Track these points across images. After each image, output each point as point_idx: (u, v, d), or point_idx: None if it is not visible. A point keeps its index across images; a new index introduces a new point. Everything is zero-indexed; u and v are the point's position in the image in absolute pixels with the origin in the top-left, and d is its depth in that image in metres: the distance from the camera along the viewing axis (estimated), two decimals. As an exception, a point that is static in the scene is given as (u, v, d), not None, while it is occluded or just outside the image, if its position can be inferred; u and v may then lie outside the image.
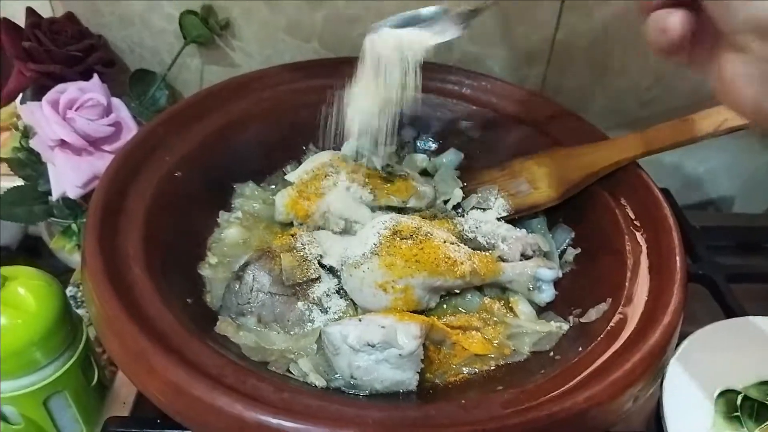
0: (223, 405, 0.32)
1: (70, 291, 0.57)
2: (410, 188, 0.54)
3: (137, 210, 0.46)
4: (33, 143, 0.59)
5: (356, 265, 0.45)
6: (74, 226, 0.61)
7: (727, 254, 0.63)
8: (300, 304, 0.45)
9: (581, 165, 0.53)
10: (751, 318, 0.50)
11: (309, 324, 0.44)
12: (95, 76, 0.60)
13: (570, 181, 0.53)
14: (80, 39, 0.64)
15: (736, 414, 0.43)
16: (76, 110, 0.58)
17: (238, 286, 0.45)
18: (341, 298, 0.46)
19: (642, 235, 0.48)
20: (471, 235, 0.51)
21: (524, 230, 0.52)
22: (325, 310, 0.45)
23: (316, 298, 0.45)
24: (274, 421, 0.32)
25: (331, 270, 0.48)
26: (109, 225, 0.43)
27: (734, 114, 0.49)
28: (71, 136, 0.57)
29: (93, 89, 0.60)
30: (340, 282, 0.47)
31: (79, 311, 0.52)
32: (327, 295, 0.46)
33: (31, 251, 0.70)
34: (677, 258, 0.44)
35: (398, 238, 0.46)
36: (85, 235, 0.42)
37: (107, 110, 0.60)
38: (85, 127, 0.58)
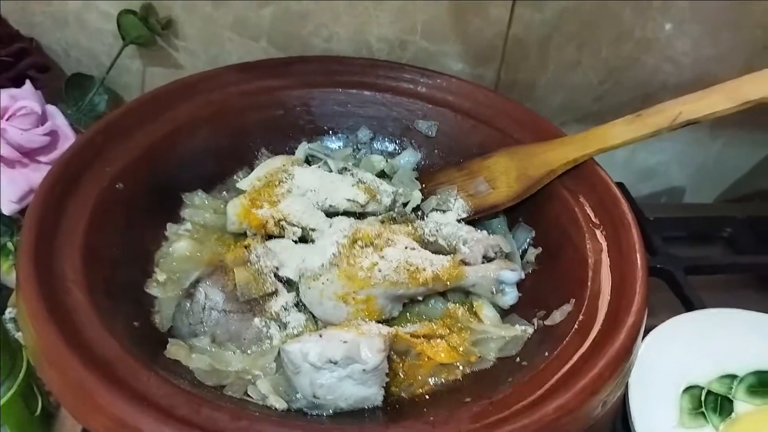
0: (174, 440, 0.30)
1: (9, 313, 0.53)
2: (370, 191, 0.52)
3: (76, 227, 0.42)
4: (-40, 156, 0.54)
5: (315, 277, 0.43)
6: (10, 245, 0.57)
7: (682, 245, 0.64)
8: (257, 320, 0.43)
9: (539, 163, 0.52)
10: (710, 310, 0.51)
11: (267, 341, 0.42)
12: (27, 82, 0.57)
13: (529, 180, 0.52)
14: (10, 43, 0.59)
15: (701, 410, 0.43)
16: (7, 120, 0.54)
17: (189, 305, 0.42)
18: (300, 311, 0.44)
19: (602, 232, 0.47)
20: (432, 239, 0.50)
21: (485, 231, 0.51)
22: (283, 326, 0.43)
23: (273, 313, 0.43)
24: (231, 454, 0.30)
25: (289, 282, 0.46)
26: (45, 244, 0.40)
27: (688, 107, 0.49)
28: (4, 148, 0.54)
29: (25, 96, 0.56)
30: (298, 294, 0.45)
31: (18, 335, 0.48)
32: (285, 309, 0.44)
33: None
34: (637, 255, 0.44)
35: (358, 247, 0.44)
36: (19, 255, 0.39)
37: (42, 119, 0.56)
38: (17, 137, 0.54)
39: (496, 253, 0.49)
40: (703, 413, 0.43)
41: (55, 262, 0.40)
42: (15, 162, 0.55)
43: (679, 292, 0.56)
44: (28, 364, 0.47)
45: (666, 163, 0.81)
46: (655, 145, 0.79)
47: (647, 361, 0.45)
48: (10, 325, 0.50)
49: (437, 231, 0.50)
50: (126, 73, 0.66)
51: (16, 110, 0.55)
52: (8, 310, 0.54)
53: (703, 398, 0.44)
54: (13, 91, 0.55)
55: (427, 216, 0.53)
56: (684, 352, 0.47)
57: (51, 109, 0.58)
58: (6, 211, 0.54)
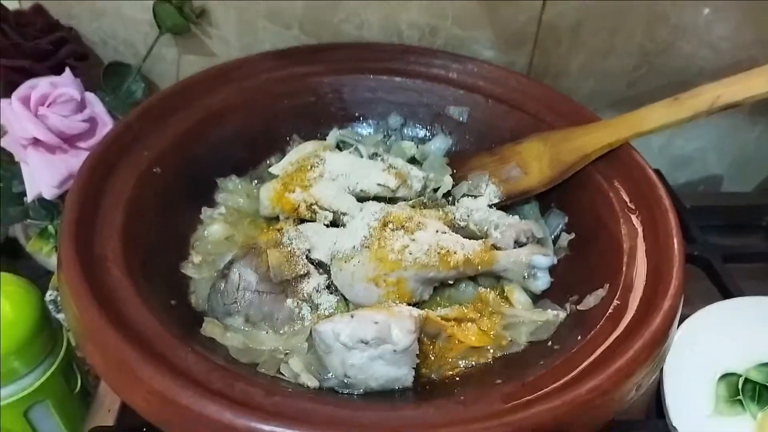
0: (212, 413, 0.31)
1: (49, 295, 0.55)
2: (401, 175, 0.52)
3: (115, 209, 0.44)
4: (4, 142, 0.56)
5: (346, 259, 0.44)
6: (51, 228, 0.59)
7: (720, 234, 0.62)
8: (289, 301, 0.43)
9: (573, 148, 0.52)
10: (748, 298, 0.49)
11: (299, 322, 0.43)
12: (67, 70, 0.58)
13: (562, 165, 0.52)
14: (50, 32, 0.61)
15: (738, 397, 0.42)
16: (48, 106, 0.56)
17: (223, 286, 0.43)
18: (331, 293, 0.45)
19: (637, 217, 0.47)
20: (463, 224, 0.49)
21: (516, 217, 0.51)
22: (315, 307, 0.44)
23: (305, 295, 0.44)
24: (267, 427, 0.30)
25: (321, 265, 0.46)
26: (85, 226, 0.41)
27: (727, 90, 0.48)
28: (44, 133, 0.55)
29: (65, 84, 0.57)
30: (329, 277, 0.45)
31: (59, 316, 0.50)
32: (317, 291, 0.44)
33: (9, 254, 0.67)
34: (675, 240, 0.43)
35: (389, 230, 0.44)
36: (61, 238, 0.40)
37: (81, 105, 0.58)
38: (58, 123, 0.55)
39: (527, 238, 0.48)
40: (740, 401, 0.42)
41: (95, 243, 0.41)
42: (55, 148, 0.56)
43: (716, 280, 0.55)
44: (68, 343, 0.48)
45: (703, 150, 0.79)
46: (692, 132, 0.77)
47: (682, 348, 0.44)
48: (51, 307, 0.51)
49: (468, 216, 0.50)
50: (162, 62, 0.68)
51: (56, 97, 0.56)
52: (48, 292, 0.56)
53: (740, 386, 0.43)
54: (53, 78, 0.57)
55: (458, 201, 0.53)
56: (720, 339, 0.46)
57: (89, 96, 0.59)
58: (47, 196, 0.55)
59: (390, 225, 0.45)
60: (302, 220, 0.50)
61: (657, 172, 0.57)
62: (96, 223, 0.42)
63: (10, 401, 0.44)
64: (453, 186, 0.55)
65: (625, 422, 0.42)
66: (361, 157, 0.55)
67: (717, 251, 0.57)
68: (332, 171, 0.51)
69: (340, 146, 0.58)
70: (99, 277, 0.38)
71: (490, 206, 0.52)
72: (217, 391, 0.32)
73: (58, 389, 0.48)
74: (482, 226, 0.49)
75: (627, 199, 0.48)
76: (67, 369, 0.49)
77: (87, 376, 0.52)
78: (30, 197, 0.56)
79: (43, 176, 0.55)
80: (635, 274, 0.42)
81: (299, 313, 0.43)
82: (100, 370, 0.35)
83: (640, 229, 0.46)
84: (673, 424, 0.40)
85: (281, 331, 0.42)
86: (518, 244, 0.48)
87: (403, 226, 0.44)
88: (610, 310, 0.40)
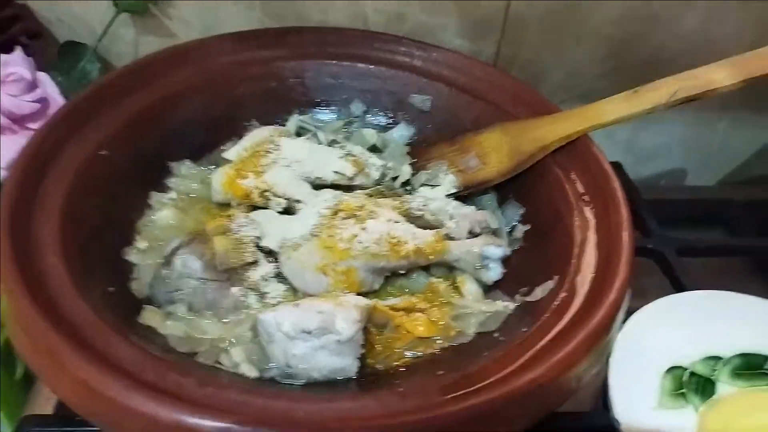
0: (136, 404, 0.30)
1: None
2: (359, 164, 0.52)
3: (56, 193, 0.42)
4: (-51, 122, 0.54)
5: (295, 247, 0.43)
6: (-1, 211, 0.57)
7: (679, 228, 0.62)
8: (234, 289, 0.42)
9: (532, 139, 0.51)
10: (698, 292, 0.49)
11: (245, 311, 0.42)
12: (18, 48, 0.56)
13: (520, 156, 0.51)
14: (1, 8, 0.59)
15: (681, 390, 0.43)
16: (-3, 86, 0.54)
17: (166, 273, 0.42)
18: (279, 282, 0.44)
19: (591, 209, 0.46)
20: (419, 213, 0.49)
21: (473, 207, 0.50)
22: (262, 296, 0.43)
23: (252, 283, 0.43)
24: (191, 420, 0.29)
25: (271, 253, 0.45)
26: (22, 209, 0.40)
27: (687, 83, 0.48)
28: (-8, 113, 0.53)
29: (15, 62, 0.55)
30: (278, 265, 0.45)
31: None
32: (264, 279, 0.44)
33: None
34: (624, 233, 0.43)
35: (339, 218, 0.44)
36: (-5, 219, 0.38)
37: (32, 85, 0.56)
38: (7, 103, 0.54)
39: (482, 228, 0.48)
40: (683, 394, 0.42)
41: (33, 226, 0.39)
42: (5, 128, 0.55)
43: (670, 273, 0.55)
44: (9, 328, 0.47)
45: (668, 144, 0.79)
46: (657, 126, 0.77)
47: (631, 340, 0.44)
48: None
49: (425, 206, 0.49)
50: (119, 42, 0.66)
51: (5, 76, 0.54)
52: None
53: (685, 379, 0.43)
54: (4, 56, 0.55)
55: (416, 191, 0.53)
56: (669, 333, 0.46)
57: (42, 76, 0.57)
58: (-5, 177, 0.54)
59: (341, 213, 0.44)
60: (255, 208, 0.49)
61: (616, 164, 0.57)
62: (35, 205, 0.41)
63: (-56, 389, 0.43)
64: (412, 175, 0.54)
65: (569, 414, 0.42)
66: (320, 143, 0.54)
67: (672, 244, 0.57)
68: (287, 157, 0.50)
69: (300, 132, 0.57)
70: (32, 260, 0.37)
71: (449, 196, 0.52)
72: (146, 382, 0.31)
73: (-3, 375, 0.46)
74: (438, 216, 0.49)
75: (582, 191, 0.48)
76: (7, 356, 0.47)
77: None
78: (-23, 179, 0.55)
79: (-9, 157, 0.54)
80: (584, 266, 0.42)
81: (245, 301, 0.42)
82: (28, 358, 0.34)
83: (593, 222, 0.45)
84: (616, 417, 0.40)
85: (225, 320, 0.41)
86: (472, 234, 0.48)
87: (354, 215, 0.44)
88: (556, 302, 0.40)
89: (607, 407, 0.42)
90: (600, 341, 0.37)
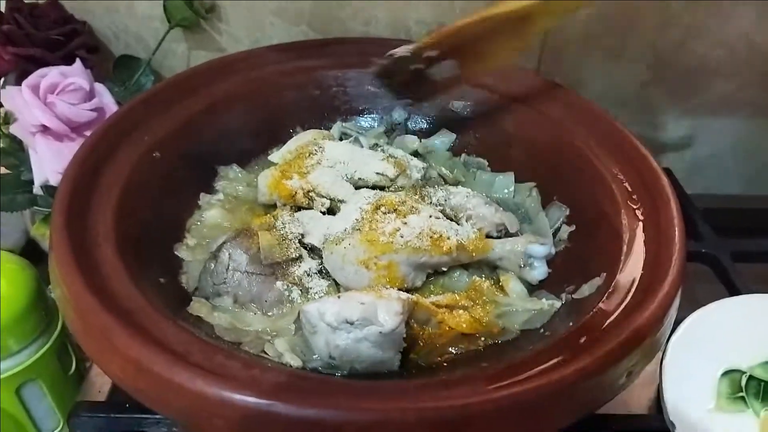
0: (183, 381, 0.30)
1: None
2: (401, 165, 0.52)
3: (111, 188, 0.44)
4: (13, 129, 0.57)
5: (337, 241, 0.43)
6: (56, 214, 0.60)
7: (733, 236, 0.60)
8: (279, 284, 0.43)
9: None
10: (755, 295, 0.47)
11: (288, 305, 0.42)
12: (78, 60, 0.59)
13: None
14: (63, 24, 0.62)
15: (740, 394, 0.40)
16: (57, 94, 0.57)
17: (213, 266, 0.43)
18: (323, 278, 0.44)
19: (639, 208, 0.45)
20: (438, 208, 0.48)
21: (494, 207, 0.49)
22: (305, 291, 0.43)
23: (296, 278, 0.43)
24: (237, 396, 0.30)
25: (313, 250, 0.46)
26: (79, 202, 0.41)
27: None
28: (52, 121, 0.56)
29: (75, 74, 0.58)
30: (322, 262, 0.45)
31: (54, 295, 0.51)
32: (308, 275, 0.44)
33: (32, 254, 0.68)
34: (675, 229, 0.42)
35: (380, 213, 0.44)
36: (53, 211, 0.40)
37: (90, 95, 0.59)
38: (66, 111, 0.57)
39: (499, 232, 0.47)
40: (743, 398, 0.40)
41: (89, 219, 0.41)
42: (63, 135, 0.58)
43: (725, 277, 0.53)
44: (63, 324, 0.48)
45: (720, 154, 0.77)
46: (709, 135, 0.76)
47: (685, 343, 0.43)
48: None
49: (445, 200, 0.49)
50: (171, 56, 0.69)
51: (65, 86, 0.57)
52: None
53: (743, 383, 0.41)
54: (64, 68, 0.58)
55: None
56: (725, 336, 0.44)
57: (98, 86, 0.60)
58: (53, 183, 0.56)
59: (382, 208, 0.44)
60: (300, 208, 0.50)
61: (666, 170, 0.55)
62: (91, 200, 0.42)
63: (2, 378, 0.44)
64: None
65: (622, 416, 0.40)
66: (361, 147, 0.55)
67: (726, 248, 0.55)
68: (330, 158, 0.51)
69: (342, 138, 0.58)
70: (87, 249, 0.38)
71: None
72: (194, 362, 0.32)
73: (51, 369, 0.48)
74: (457, 213, 0.48)
75: (630, 190, 0.47)
76: (62, 349, 0.49)
77: (83, 360, 0.52)
78: (37, 184, 0.57)
79: (50, 163, 0.56)
80: (633, 264, 0.41)
81: (289, 296, 0.43)
82: (80, 339, 0.35)
83: (641, 219, 0.44)
84: (671, 419, 0.39)
85: (269, 313, 0.42)
86: (491, 237, 0.47)
87: (395, 210, 0.44)
88: (605, 298, 0.39)
89: (661, 411, 0.40)
90: (651, 335, 0.35)
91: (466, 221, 0.47)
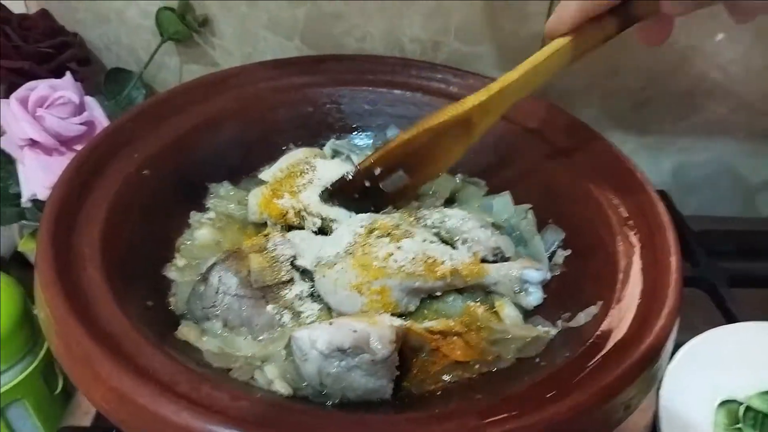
0: (168, 413, 0.29)
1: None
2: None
3: (98, 208, 0.43)
4: (2, 143, 0.56)
5: (329, 265, 0.42)
6: (43, 229, 0.59)
7: (729, 260, 0.60)
8: (270, 307, 0.42)
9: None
10: (753, 323, 0.47)
11: (278, 329, 0.41)
12: (67, 73, 0.58)
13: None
14: (53, 36, 0.62)
15: (738, 426, 0.40)
16: (46, 108, 0.56)
17: (203, 289, 0.42)
18: (314, 301, 0.43)
19: (635, 234, 0.45)
20: (434, 230, 0.48)
21: (490, 230, 0.48)
22: (297, 315, 0.42)
23: (287, 302, 0.42)
24: (226, 431, 0.29)
25: (305, 272, 0.45)
26: (65, 222, 0.40)
27: None
28: (41, 134, 0.55)
29: (65, 87, 0.58)
30: (314, 285, 0.44)
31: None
32: (299, 298, 0.43)
33: (23, 263, 0.67)
34: (672, 258, 0.41)
35: (374, 237, 0.43)
36: (39, 231, 0.39)
37: (79, 109, 0.58)
38: (55, 125, 0.56)
39: (495, 256, 0.46)
40: (740, 429, 0.40)
41: (74, 239, 0.40)
42: (51, 149, 0.57)
43: (721, 304, 0.52)
44: (49, 344, 0.47)
45: (715, 174, 0.77)
46: (701, 158, 0.76)
47: (681, 372, 0.42)
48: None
49: (441, 223, 0.48)
50: (164, 70, 0.68)
51: (54, 99, 0.56)
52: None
53: (741, 414, 0.40)
54: (53, 81, 0.57)
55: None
56: (721, 365, 0.43)
57: (89, 100, 0.59)
58: (41, 197, 0.55)
59: (376, 232, 0.43)
60: (291, 228, 0.49)
61: (661, 193, 0.55)
62: (77, 220, 0.41)
63: (-15, 398, 0.43)
64: None
65: (618, 448, 0.40)
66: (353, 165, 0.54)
67: (722, 274, 0.54)
68: (322, 177, 0.50)
69: (334, 156, 0.58)
70: (72, 270, 0.37)
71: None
72: (179, 393, 0.31)
73: (36, 389, 0.47)
74: (453, 236, 0.47)
75: (626, 216, 0.47)
76: (48, 370, 0.48)
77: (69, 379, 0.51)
78: (25, 198, 0.56)
79: (38, 177, 0.55)
80: (629, 292, 0.40)
81: (279, 320, 0.42)
82: (64, 364, 0.34)
83: (637, 247, 0.44)
84: (668, 452, 0.38)
85: (260, 338, 0.41)
86: (487, 262, 0.46)
87: (389, 234, 0.43)
88: (601, 328, 0.38)
89: (656, 441, 0.40)
90: (648, 368, 0.35)
91: (462, 244, 0.46)
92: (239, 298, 0.41)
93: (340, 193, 0.48)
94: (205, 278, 0.42)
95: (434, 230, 0.47)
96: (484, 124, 0.47)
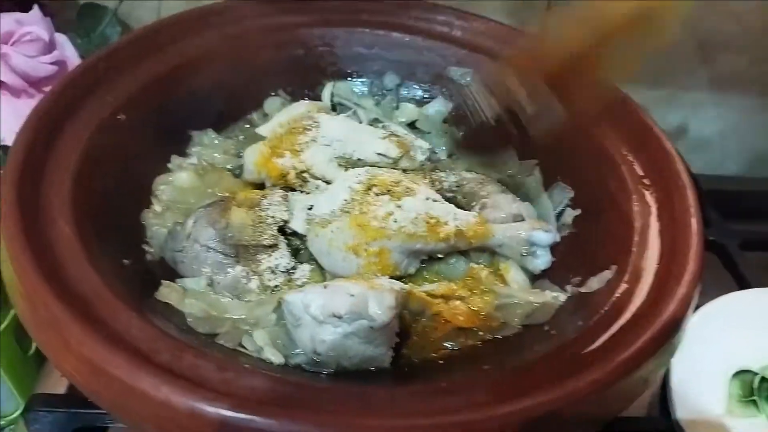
0: (147, 387, 0.26)
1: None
2: (404, 145, 0.47)
3: (69, 155, 0.39)
4: (-35, 83, 0.52)
5: (323, 224, 0.39)
6: (12, 178, 0.55)
7: (739, 220, 0.57)
8: (239, 268, 0.38)
9: None
10: (765, 289, 0.45)
11: (247, 295, 0.38)
12: (35, 7, 0.53)
13: None
14: (18, -36, 0.56)
15: (752, 398, 0.38)
16: (12, 45, 0.52)
17: (178, 229, 0.39)
18: (303, 263, 0.40)
19: (651, 194, 0.42)
20: (450, 195, 0.45)
21: (510, 196, 0.45)
22: (265, 287, 0.39)
23: (260, 270, 0.39)
24: (209, 408, 0.26)
25: (297, 235, 0.41)
26: (32, 170, 0.37)
27: None
28: (7, 75, 0.52)
29: (32, 22, 0.53)
30: (297, 261, 0.41)
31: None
32: (272, 272, 0.39)
33: None
34: (692, 220, 0.38)
35: (373, 194, 0.40)
36: (3, 181, 0.35)
37: (49, 47, 0.54)
38: (22, 64, 0.51)
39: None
40: (754, 401, 0.38)
41: (42, 189, 0.36)
42: (20, 91, 0.53)
43: (732, 268, 0.50)
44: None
45: (723, 132, 0.74)
46: (711, 114, 0.72)
47: (693, 341, 0.40)
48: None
49: (458, 186, 0.45)
50: (141, 7, 0.63)
51: (21, 35, 0.52)
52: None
53: (755, 385, 0.39)
54: (19, 15, 0.53)
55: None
56: (735, 333, 0.41)
57: (60, 37, 0.55)
58: (9, 142, 0.51)
59: (375, 189, 0.40)
60: (291, 189, 0.45)
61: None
62: (46, 168, 0.38)
63: (-45, 359, 0.40)
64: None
65: (625, 419, 0.38)
66: (360, 122, 0.50)
67: (734, 237, 0.52)
68: (327, 135, 0.45)
69: (335, 108, 0.53)
70: (40, 225, 0.34)
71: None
72: (159, 364, 0.28)
73: (8, 350, 0.44)
74: (470, 200, 0.44)
75: (641, 174, 0.43)
76: (20, 328, 0.45)
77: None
78: (-9, 143, 0.52)
79: (6, 121, 0.52)
80: (647, 256, 0.38)
81: (246, 284, 0.38)
82: (30, 329, 0.31)
83: (654, 207, 0.41)
84: (680, 424, 0.36)
85: (246, 299, 0.38)
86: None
87: (389, 191, 0.40)
88: (616, 295, 0.36)
89: (665, 412, 0.38)
90: (669, 340, 0.33)
91: (480, 210, 0.43)
92: (207, 250, 0.38)
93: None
94: (185, 221, 0.39)
95: (450, 194, 0.44)
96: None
